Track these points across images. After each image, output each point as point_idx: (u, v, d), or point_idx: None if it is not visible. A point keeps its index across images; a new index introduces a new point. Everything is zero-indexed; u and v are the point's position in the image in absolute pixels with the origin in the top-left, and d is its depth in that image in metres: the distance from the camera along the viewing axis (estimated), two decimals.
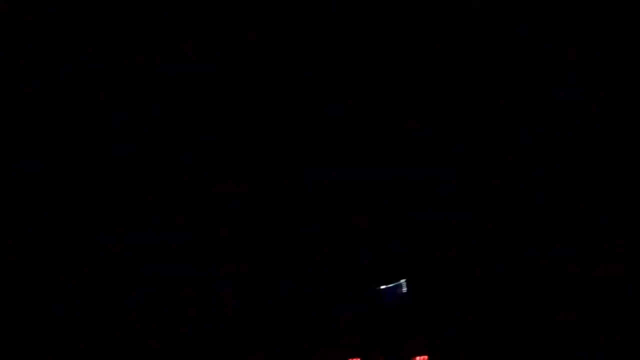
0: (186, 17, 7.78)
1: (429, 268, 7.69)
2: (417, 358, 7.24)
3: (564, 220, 7.70)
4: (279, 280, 7.61)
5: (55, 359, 7.30)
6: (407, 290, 7.47)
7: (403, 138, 7.98)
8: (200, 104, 7.84)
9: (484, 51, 7.99)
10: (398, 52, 7.95)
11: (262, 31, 7.91)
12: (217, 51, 7.87)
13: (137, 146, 7.68)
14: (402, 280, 7.43)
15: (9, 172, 7.41)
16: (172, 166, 7.71)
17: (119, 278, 7.46)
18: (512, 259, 7.69)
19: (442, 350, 7.37)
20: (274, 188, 7.76)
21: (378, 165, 7.87)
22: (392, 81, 8.05)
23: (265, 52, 7.88)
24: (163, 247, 7.58)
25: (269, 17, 7.92)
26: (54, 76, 7.62)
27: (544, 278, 7.63)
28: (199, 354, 7.44)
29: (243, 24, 7.88)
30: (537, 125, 7.90)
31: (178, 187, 7.68)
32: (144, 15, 7.71)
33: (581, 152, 7.77)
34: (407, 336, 7.46)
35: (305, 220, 7.75)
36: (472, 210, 7.78)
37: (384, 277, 7.58)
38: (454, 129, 7.96)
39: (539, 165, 7.84)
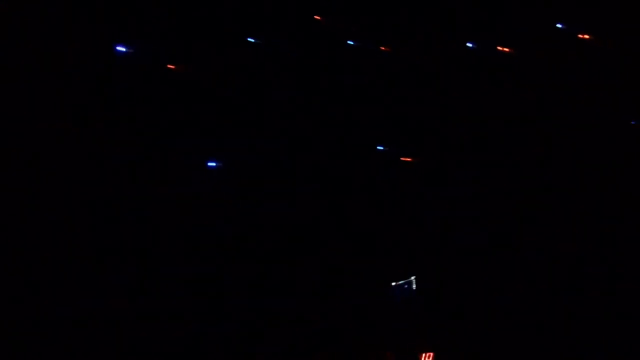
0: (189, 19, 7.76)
1: (437, 266, 7.71)
2: (424, 354, 7.26)
3: (565, 220, 7.75)
4: (285, 279, 7.60)
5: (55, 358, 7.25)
6: (417, 287, 7.47)
7: (406, 138, 8.02)
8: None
9: (482, 50, 8.05)
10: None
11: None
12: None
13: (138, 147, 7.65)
14: (412, 278, 7.43)
15: (9, 172, 7.35)
16: (173, 167, 7.68)
17: (122, 278, 7.42)
18: (515, 260, 7.73)
19: (448, 347, 7.40)
20: (276, 188, 7.75)
21: (384, 165, 7.89)
22: (390, 81, 8.08)
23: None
24: (164, 247, 7.55)
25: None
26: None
27: (545, 278, 7.68)
28: (202, 353, 7.42)
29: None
30: (537, 125, 7.95)
31: (179, 187, 7.65)
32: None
33: (581, 151, 7.83)
34: (415, 333, 7.47)
35: (312, 220, 7.74)
36: (480, 211, 7.81)
37: (394, 275, 7.58)
38: (456, 130, 7.99)
39: (542, 165, 7.89)
